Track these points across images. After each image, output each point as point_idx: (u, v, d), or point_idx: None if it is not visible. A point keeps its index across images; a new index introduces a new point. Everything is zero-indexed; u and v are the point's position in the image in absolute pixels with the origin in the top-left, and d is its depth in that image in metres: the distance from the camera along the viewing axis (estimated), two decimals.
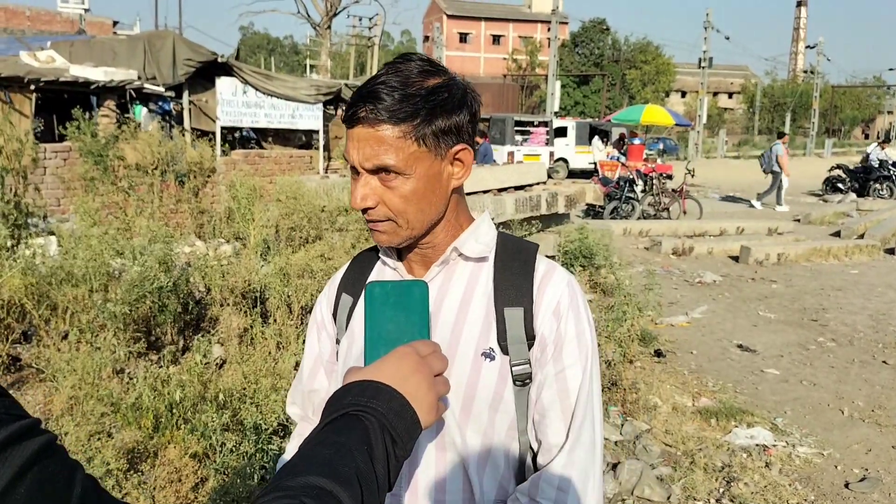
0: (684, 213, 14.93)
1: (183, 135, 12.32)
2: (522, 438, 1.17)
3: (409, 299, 0.98)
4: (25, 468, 0.52)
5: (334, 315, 1.31)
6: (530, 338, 1.14)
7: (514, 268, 1.19)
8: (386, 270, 1.26)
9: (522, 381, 1.14)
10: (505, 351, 1.13)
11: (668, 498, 3.72)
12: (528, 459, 1.18)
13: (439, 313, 1.18)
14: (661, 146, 33.49)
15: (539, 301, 1.16)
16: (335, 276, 1.36)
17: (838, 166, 20.78)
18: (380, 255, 1.28)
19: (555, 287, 1.17)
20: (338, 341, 1.29)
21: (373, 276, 1.28)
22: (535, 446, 1.16)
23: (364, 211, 1.12)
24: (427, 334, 0.97)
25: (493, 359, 1.13)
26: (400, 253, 1.25)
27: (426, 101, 1.08)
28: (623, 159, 17.27)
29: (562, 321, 1.15)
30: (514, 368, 1.13)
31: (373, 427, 0.77)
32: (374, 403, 0.80)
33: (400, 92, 1.07)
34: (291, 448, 1.38)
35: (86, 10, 29.93)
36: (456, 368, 1.13)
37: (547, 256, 1.40)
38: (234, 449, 3.23)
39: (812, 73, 49.66)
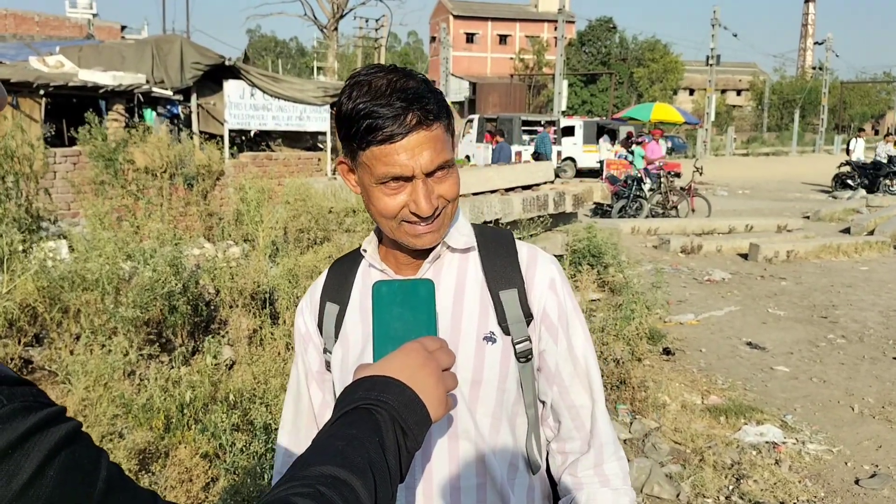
0: (693, 211, 14.88)
1: (191, 138, 12.38)
2: (529, 412, 1.24)
3: (416, 297, 1.00)
4: (53, 453, 0.54)
5: (320, 325, 1.31)
6: (527, 315, 1.21)
7: (499, 253, 1.25)
8: (372, 273, 1.28)
9: (525, 357, 1.21)
10: (506, 332, 1.20)
11: (678, 496, 3.73)
12: (534, 432, 1.25)
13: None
14: (668, 144, 33.42)
15: (531, 280, 1.23)
16: (314, 286, 1.36)
17: (848, 163, 20.66)
18: (365, 258, 1.29)
19: (543, 266, 1.25)
20: (326, 350, 1.30)
21: (358, 281, 1.30)
22: (553, 412, 1.26)
23: (419, 216, 1.13)
24: (434, 331, 0.99)
25: (494, 341, 1.19)
26: (383, 255, 1.28)
27: (441, 96, 1.14)
28: (631, 158, 17.22)
29: (560, 296, 1.24)
30: (516, 346, 1.20)
31: (384, 420, 0.79)
32: (385, 397, 0.81)
33: (429, 92, 1.11)
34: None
35: (94, 16, 30.13)
36: (461, 356, 1.18)
37: (555, 256, 1.44)
38: (244, 449, 3.26)
39: (821, 69, 49.44)
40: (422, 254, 1.23)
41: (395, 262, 1.26)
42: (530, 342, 1.21)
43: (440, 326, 1.18)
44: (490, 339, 1.19)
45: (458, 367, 1.17)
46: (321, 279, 1.36)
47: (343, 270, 1.33)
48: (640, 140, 16.35)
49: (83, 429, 0.59)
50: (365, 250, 1.29)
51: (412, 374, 0.85)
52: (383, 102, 1.07)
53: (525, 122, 25.72)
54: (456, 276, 1.24)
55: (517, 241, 1.29)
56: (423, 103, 1.08)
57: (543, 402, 1.27)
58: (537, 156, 19.57)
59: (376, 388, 0.82)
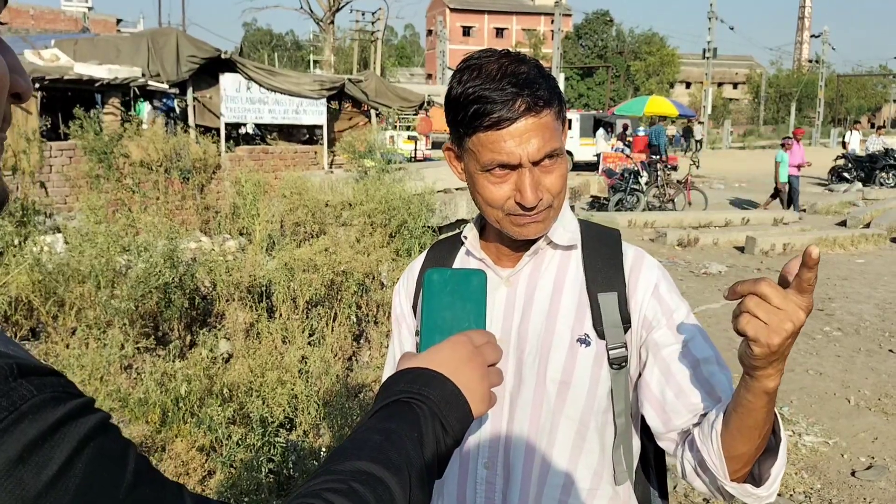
0: (689, 204, 14.88)
1: (187, 131, 12.35)
2: (618, 420, 1.17)
3: (467, 288, 0.97)
4: (83, 444, 0.53)
5: (414, 307, 1.30)
6: (625, 321, 1.16)
7: (602, 254, 1.20)
8: (470, 261, 1.26)
9: (619, 364, 1.15)
10: (601, 335, 1.15)
11: (675, 487, 3.74)
12: (623, 443, 1.18)
13: (532, 303, 1.18)
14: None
15: (634, 285, 1.17)
16: (413, 265, 1.35)
17: (844, 156, 20.66)
18: (464, 244, 1.27)
19: (648, 271, 1.19)
20: (418, 332, 1.27)
21: (456, 267, 1.27)
22: (661, 422, 1.13)
23: (523, 207, 1.10)
24: (483, 324, 0.96)
25: (588, 344, 1.15)
26: (484, 245, 1.25)
27: (555, 82, 1.11)
28: (627, 151, 17.22)
29: (663, 301, 1.16)
30: (610, 352, 1.14)
31: (424, 415, 0.77)
32: (427, 391, 0.79)
33: (541, 77, 1.08)
34: None
35: (89, 9, 30.02)
36: (552, 355, 1.15)
37: None
38: (239, 442, 3.26)
39: (817, 62, 49.47)
40: (523, 247, 1.20)
41: (496, 253, 1.23)
42: (626, 349, 1.15)
43: (536, 322, 1.17)
44: (584, 341, 1.14)
45: (549, 366, 1.14)
46: (420, 260, 1.34)
47: (443, 254, 1.31)
48: (783, 143, 14.45)
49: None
50: (465, 237, 1.26)
51: (457, 369, 0.84)
52: (493, 87, 1.05)
53: None
54: (555, 274, 1.20)
55: (623, 244, 1.23)
56: (533, 89, 1.05)
57: (644, 414, 1.16)
58: (651, 148, 18.74)
59: (419, 382, 0.81)
